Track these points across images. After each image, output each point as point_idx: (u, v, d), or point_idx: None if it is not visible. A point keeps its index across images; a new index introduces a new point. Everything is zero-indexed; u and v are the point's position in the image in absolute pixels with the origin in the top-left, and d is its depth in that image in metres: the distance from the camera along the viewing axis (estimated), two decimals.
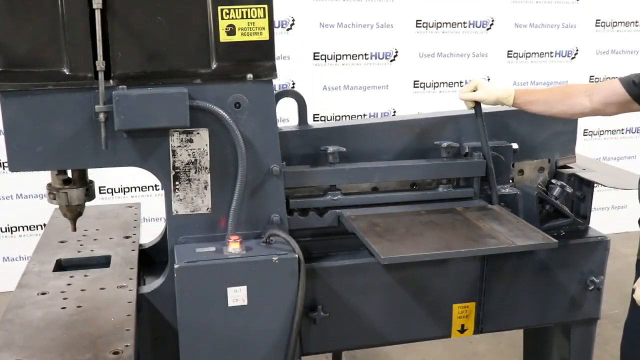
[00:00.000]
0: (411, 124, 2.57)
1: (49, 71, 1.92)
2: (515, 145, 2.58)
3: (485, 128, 2.46)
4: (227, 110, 2.06)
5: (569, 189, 2.63)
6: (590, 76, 5.53)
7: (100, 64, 1.90)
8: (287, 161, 2.32)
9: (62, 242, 2.47)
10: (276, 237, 2.16)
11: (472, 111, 2.48)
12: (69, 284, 2.11)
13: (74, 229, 2.23)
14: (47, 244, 2.46)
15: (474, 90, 2.44)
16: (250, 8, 2.03)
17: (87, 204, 2.18)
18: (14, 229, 4.68)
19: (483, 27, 5.21)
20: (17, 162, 1.98)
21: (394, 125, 2.63)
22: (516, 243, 2.16)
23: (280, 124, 2.26)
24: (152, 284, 2.21)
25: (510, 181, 2.60)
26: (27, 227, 4.68)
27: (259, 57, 2.08)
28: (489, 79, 5.28)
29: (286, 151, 2.30)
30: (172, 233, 2.17)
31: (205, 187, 2.14)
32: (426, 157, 2.52)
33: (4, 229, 4.66)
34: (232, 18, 2.02)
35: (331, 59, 4.93)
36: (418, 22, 5.06)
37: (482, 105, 2.46)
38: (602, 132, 5.67)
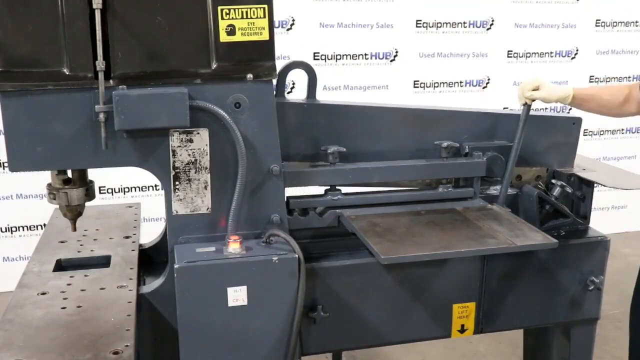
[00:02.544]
0: (419, 113, 2.56)
1: (49, 71, 1.92)
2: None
3: (524, 128, 2.48)
4: (227, 110, 2.06)
5: (569, 189, 2.63)
6: (590, 76, 5.53)
7: (100, 64, 1.90)
8: (289, 134, 2.31)
9: (62, 242, 2.47)
10: (276, 237, 2.16)
11: (475, 109, 2.49)
12: (69, 284, 2.11)
13: (74, 229, 2.23)
14: (47, 244, 2.46)
15: (535, 89, 2.45)
16: (250, 8, 2.03)
17: (87, 204, 2.18)
18: (14, 229, 4.68)
19: (483, 27, 5.20)
20: (17, 162, 1.98)
21: (402, 111, 2.60)
22: (516, 243, 2.16)
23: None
24: (152, 284, 2.21)
25: None
26: (27, 227, 4.68)
27: (259, 57, 2.07)
28: (489, 79, 5.29)
29: (286, 124, 2.29)
30: (172, 233, 2.17)
31: (205, 187, 2.14)
32: (428, 153, 2.51)
33: (4, 229, 4.66)
34: (232, 18, 2.02)
35: (331, 59, 4.93)
36: (418, 22, 5.06)
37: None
38: (602, 132, 5.68)
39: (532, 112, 2.53)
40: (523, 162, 2.62)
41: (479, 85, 5.30)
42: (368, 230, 2.24)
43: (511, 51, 5.32)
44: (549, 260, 2.49)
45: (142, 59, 1.98)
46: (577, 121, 2.67)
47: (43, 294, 2.04)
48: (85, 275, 2.17)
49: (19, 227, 4.68)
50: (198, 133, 2.08)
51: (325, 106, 2.42)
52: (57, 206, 2.17)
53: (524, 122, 2.48)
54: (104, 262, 2.30)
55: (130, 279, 2.15)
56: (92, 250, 2.40)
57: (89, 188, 2.15)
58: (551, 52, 5.41)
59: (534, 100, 2.47)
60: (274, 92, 2.16)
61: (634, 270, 2.58)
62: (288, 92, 2.43)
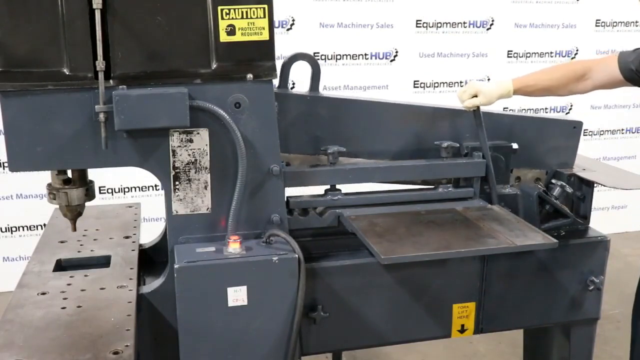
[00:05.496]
0: (421, 110, 2.56)
1: (49, 71, 1.92)
2: (515, 145, 2.57)
3: (484, 130, 2.47)
4: (227, 110, 2.06)
5: (569, 189, 2.63)
6: None
7: (100, 64, 1.89)
8: (290, 126, 2.32)
9: (62, 242, 2.47)
10: (276, 237, 2.16)
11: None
12: (69, 284, 2.11)
13: (74, 229, 2.23)
14: (47, 244, 2.46)
15: (475, 96, 2.44)
16: (250, 8, 2.03)
17: (87, 204, 2.18)
18: (14, 229, 4.68)
19: (483, 27, 5.21)
20: (17, 162, 1.98)
21: (407, 108, 2.60)
22: (516, 243, 2.16)
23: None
24: (152, 284, 2.21)
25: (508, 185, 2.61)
26: (27, 227, 4.68)
27: (259, 57, 2.07)
28: (488, 79, 5.28)
29: (288, 116, 2.32)
30: (172, 233, 2.17)
31: (205, 187, 2.14)
32: (428, 153, 2.52)
33: (4, 229, 4.66)
34: (232, 18, 2.02)
35: (331, 59, 4.93)
36: (418, 22, 5.06)
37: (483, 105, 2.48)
38: (602, 132, 5.67)
39: (534, 114, 2.53)
40: (523, 163, 2.62)
41: None
42: (368, 230, 2.24)
43: (511, 51, 5.32)
44: (549, 260, 2.49)
45: (142, 59, 1.98)
46: (578, 125, 2.68)
47: (43, 294, 2.04)
48: (85, 275, 2.17)
49: (19, 227, 4.68)
50: (198, 133, 2.08)
51: (328, 99, 2.43)
52: (57, 206, 2.17)
53: (479, 124, 2.47)
54: (104, 262, 2.30)
55: (130, 279, 2.15)
56: (92, 250, 2.39)
57: (89, 188, 2.15)
58: (551, 52, 5.41)
59: (477, 107, 2.46)
60: (274, 92, 2.16)
61: (633, 270, 2.58)
62: (292, 86, 2.44)
